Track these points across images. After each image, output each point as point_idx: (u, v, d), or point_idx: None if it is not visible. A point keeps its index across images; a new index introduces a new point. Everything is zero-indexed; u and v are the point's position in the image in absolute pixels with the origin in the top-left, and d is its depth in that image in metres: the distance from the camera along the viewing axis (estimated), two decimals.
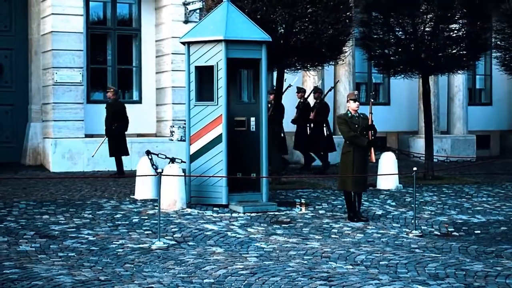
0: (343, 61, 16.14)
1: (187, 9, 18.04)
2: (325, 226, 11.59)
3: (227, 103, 12.52)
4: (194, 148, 12.68)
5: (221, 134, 12.44)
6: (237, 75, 13.61)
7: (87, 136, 17.30)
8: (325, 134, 17.62)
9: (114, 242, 10.01)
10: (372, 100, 12.36)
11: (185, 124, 15.48)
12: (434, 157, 17.24)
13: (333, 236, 11.00)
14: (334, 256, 9.32)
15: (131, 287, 7.71)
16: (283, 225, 11.55)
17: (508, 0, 16.27)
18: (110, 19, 18.75)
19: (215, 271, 8.46)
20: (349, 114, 11.87)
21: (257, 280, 8.01)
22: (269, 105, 16.27)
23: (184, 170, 12.72)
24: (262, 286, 7.83)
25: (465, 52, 16.16)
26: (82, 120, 17.23)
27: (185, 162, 13.04)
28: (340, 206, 12.93)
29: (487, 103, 24.51)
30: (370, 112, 11.96)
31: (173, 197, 12.25)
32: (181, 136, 15.09)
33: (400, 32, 16.11)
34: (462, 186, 15.73)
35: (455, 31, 16.02)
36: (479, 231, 11.74)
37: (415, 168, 11.67)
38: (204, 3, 17.13)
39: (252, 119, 13.01)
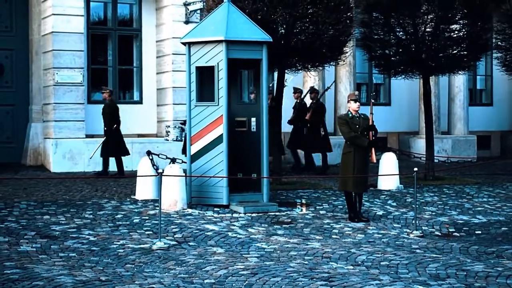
0: (343, 61, 16.14)
1: (188, 9, 18.05)
2: (326, 226, 11.59)
3: (227, 103, 12.52)
4: (195, 148, 12.68)
5: (221, 134, 12.44)
6: (237, 76, 13.62)
7: (87, 136, 17.32)
8: (322, 134, 17.60)
9: (115, 243, 10.01)
10: (373, 101, 12.37)
11: (180, 124, 15.51)
12: (435, 157, 17.24)
13: (334, 236, 10.99)
14: (335, 257, 9.32)
15: (132, 287, 7.71)
16: (284, 226, 11.55)
17: (508, 1, 16.27)
18: (111, 19, 18.76)
19: (216, 271, 8.46)
20: (350, 115, 11.87)
21: (257, 281, 8.01)
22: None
23: (184, 171, 12.72)
24: (263, 287, 7.82)
25: (465, 52, 16.16)
26: (83, 121, 17.24)
27: (185, 162, 13.04)
28: (341, 207, 12.93)
29: (487, 103, 24.52)
30: (371, 112, 11.95)
31: (173, 197, 12.26)
32: (177, 136, 15.11)
33: (401, 33, 16.11)
34: (463, 187, 15.72)
35: (456, 32, 16.02)
36: (480, 232, 11.73)
37: (415, 169, 11.67)
38: (204, 3, 17.13)
39: (253, 119, 13.02)
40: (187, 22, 18.04)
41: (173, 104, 18.05)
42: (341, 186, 12.21)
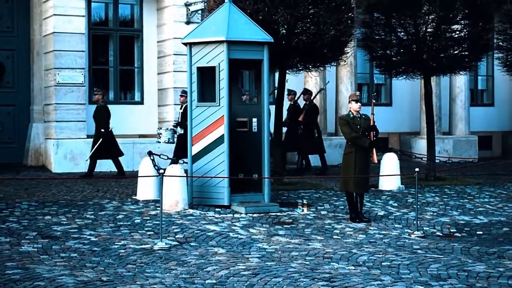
0: (345, 62, 16.14)
1: (189, 10, 18.05)
2: (327, 227, 11.59)
3: (229, 104, 12.53)
4: (196, 148, 12.68)
5: (223, 135, 12.45)
6: (239, 76, 13.63)
7: (89, 137, 17.28)
8: (315, 135, 17.54)
9: (116, 243, 10.02)
10: (374, 101, 12.34)
11: (173, 126, 15.49)
12: (436, 158, 17.24)
13: (335, 237, 10.99)
14: (336, 257, 9.31)
15: (133, 287, 7.71)
16: (285, 226, 11.55)
17: (510, 1, 16.26)
18: (112, 20, 18.77)
19: (217, 271, 8.46)
20: (351, 115, 11.87)
21: (259, 281, 8.01)
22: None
23: (186, 171, 12.72)
24: (264, 287, 7.82)
25: (467, 53, 16.16)
26: (84, 121, 17.25)
27: (187, 163, 13.04)
28: (342, 207, 12.93)
29: (489, 103, 24.52)
30: (372, 113, 11.95)
31: (175, 197, 12.26)
32: (169, 138, 15.09)
33: (402, 33, 16.10)
34: (464, 187, 15.72)
35: (457, 32, 16.02)
36: (481, 232, 11.73)
37: (417, 169, 11.67)
38: (206, 4, 17.13)
39: (254, 119, 13.02)
40: (188, 22, 18.05)
41: (174, 104, 18.04)
42: (342, 186, 12.21)
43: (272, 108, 14.83)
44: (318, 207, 13.00)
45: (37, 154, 17.86)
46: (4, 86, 17.94)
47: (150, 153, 13.34)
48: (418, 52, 15.91)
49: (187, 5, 18.10)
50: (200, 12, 17.84)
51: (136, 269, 8.63)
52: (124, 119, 18.09)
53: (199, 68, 12.67)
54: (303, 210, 12.68)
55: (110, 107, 16.55)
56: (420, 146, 20.74)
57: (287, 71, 15.22)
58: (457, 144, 21.94)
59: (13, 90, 18.00)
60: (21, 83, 18.04)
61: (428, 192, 14.87)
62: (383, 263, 8.94)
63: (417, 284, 7.87)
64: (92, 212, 11.87)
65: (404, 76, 16.83)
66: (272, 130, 14.77)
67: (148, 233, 10.73)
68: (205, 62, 12.59)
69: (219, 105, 12.46)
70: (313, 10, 14.16)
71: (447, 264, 8.88)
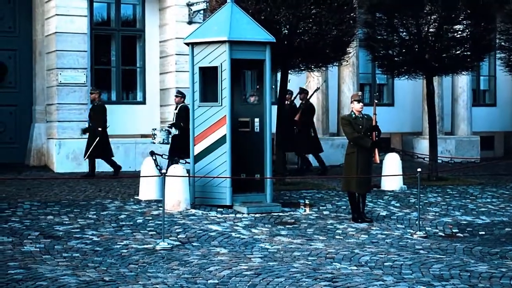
0: (347, 62, 16.14)
1: (191, 10, 18.05)
2: (329, 227, 11.59)
3: (231, 104, 12.52)
4: (198, 149, 12.68)
5: (225, 135, 12.44)
6: (241, 76, 13.62)
7: None
8: (311, 135, 17.48)
9: (118, 243, 10.02)
10: (376, 101, 12.34)
11: (168, 127, 15.48)
12: (438, 158, 17.22)
13: (337, 237, 10.99)
14: (339, 257, 9.31)
15: (135, 287, 7.72)
16: (287, 226, 11.55)
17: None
18: (114, 20, 18.77)
19: (219, 271, 8.46)
20: (353, 115, 11.86)
21: (261, 281, 8.01)
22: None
23: (188, 171, 12.72)
24: (267, 287, 7.82)
25: (469, 53, 16.15)
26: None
27: (189, 163, 13.04)
28: (344, 207, 12.93)
29: (491, 104, 24.50)
30: (374, 113, 11.94)
31: (177, 197, 12.26)
32: (163, 139, 15.06)
33: (404, 33, 16.10)
34: (466, 187, 15.71)
35: (459, 32, 16.01)
36: (483, 232, 11.72)
37: (419, 169, 11.67)
38: (208, 4, 17.14)
39: (256, 120, 13.02)
40: (190, 22, 18.04)
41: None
42: (344, 186, 12.20)
43: (274, 108, 14.82)
44: (320, 207, 12.99)
45: (39, 154, 17.87)
46: (6, 86, 17.94)
47: (152, 153, 13.35)
48: (420, 52, 15.90)
49: (189, 5, 18.10)
50: (202, 12, 17.85)
51: (138, 269, 8.63)
52: (126, 119, 18.09)
53: (201, 68, 12.67)
54: (305, 210, 12.68)
55: (113, 107, 16.58)
56: (422, 146, 20.73)
57: (289, 71, 15.22)
58: (459, 144, 21.92)
59: (15, 90, 18.01)
60: (23, 83, 18.04)
61: (430, 192, 14.86)
62: (385, 263, 8.93)
63: (420, 285, 7.87)
64: (94, 212, 11.88)
65: (406, 76, 16.83)
66: (273, 130, 14.75)
67: (150, 233, 10.74)
68: (207, 62, 12.58)
69: (221, 105, 12.46)
70: (315, 10, 14.17)
71: (449, 264, 8.88)
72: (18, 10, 18.04)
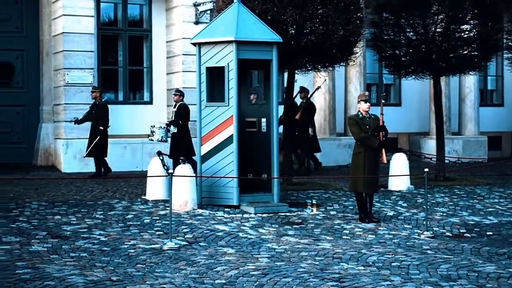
0: (353, 62, 16.13)
1: (198, 10, 18.05)
2: (336, 227, 11.58)
3: (238, 104, 12.53)
4: (205, 149, 12.68)
5: (232, 135, 12.45)
6: (247, 76, 13.62)
7: None
8: (310, 134, 17.41)
9: (125, 243, 10.03)
10: (383, 101, 12.32)
11: (166, 125, 15.45)
12: (446, 158, 17.20)
13: (344, 237, 10.98)
14: (346, 257, 9.30)
15: (143, 287, 7.72)
16: (294, 226, 11.55)
17: None
18: (121, 20, 18.79)
19: (226, 271, 8.47)
20: (360, 115, 11.85)
21: (268, 281, 8.00)
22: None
23: (195, 171, 12.73)
24: (274, 287, 7.82)
25: (476, 53, 16.13)
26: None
27: (196, 162, 13.04)
28: (352, 207, 12.92)
29: (498, 104, 24.46)
30: (381, 113, 11.93)
31: (184, 197, 12.27)
32: (162, 137, 15.02)
33: (411, 33, 16.08)
34: (473, 187, 15.68)
35: (466, 32, 15.99)
36: (491, 233, 11.70)
37: (426, 169, 11.64)
38: (214, 4, 17.14)
39: (263, 120, 13.02)
40: (197, 22, 18.05)
41: None
42: (351, 186, 12.19)
43: (281, 108, 14.82)
44: (328, 207, 12.99)
45: (46, 154, 17.90)
46: (13, 86, 17.98)
47: (159, 153, 13.35)
48: (427, 52, 15.88)
49: (196, 5, 18.11)
50: (209, 12, 17.85)
51: (146, 269, 8.64)
52: (133, 119, 18.11)
53: (208, 68, 12.67)
54: (312, 210, 12.68)
55: (120, 107, 16.59)
56: (430, 146, 20.69)
57: (296, 71, 15.21)
58: (466, 144, 21.88)
59: (22, 90, 18.05)
60: (30, 84, 18.08)
61: (438, 193, 14.83)
62: (392, 264, 8.92)
63: (427, 285, 7.86)
64: (102, 212, 11.89)
65: (413, 76, 16.81)
66: (280, 130, 14.75)
67: (157, 233, 10.75)
68: (214, 62, 12.59)
69: (228, 105, 12.46)
70: (322, 10, 14.17)
71: (457, 264, 8.86)
72: (25, 11, 18.08)
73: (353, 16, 14.62)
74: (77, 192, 13.84)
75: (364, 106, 11.81)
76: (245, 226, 11.38)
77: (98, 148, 15.61)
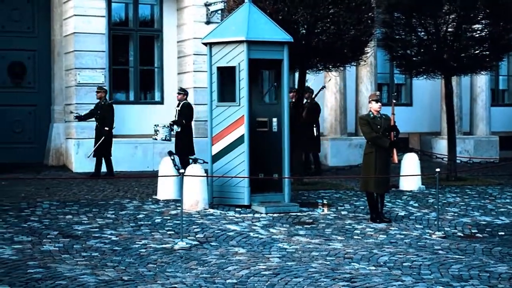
0: (365, 61, 16.08)
1: (209, 10, 18.07)
2: (347, 227, 11.56)
3: (249, 103, 12.53)
4: (216, 148, 12.69)
5: (243, 135, 12.45)
6: (259, 76, 13.62)
7: None
8: (315, 134, 17.33)
9: (137, 242, 10.05)
10: (394, 101, 12.28)
11: (170, 124, 15.45)
12: (457, 158, 17.15)
13: (355, 237, 10.96)
14: (357, 257, 9.29)
15: (154, 287, 7.73)
16: (305, 226, 11.54)
17: None
18: (132, 20, 18.83)
19: (237, 271, 8.47)
20: (371, 115, 11.83)
21: (279, 281, 8.00)
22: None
23: (206, 171, 12.74)
24: (285, 287, 7.82)
25: (488, 52, 16.08)
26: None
27: (207, 162, 13.05)
28: (363, 207, 12.90)
29: (510, 104, 24.35)
30: (392, 113, 11.90)
31: (195, 197, 12.28)
32: (166, 136, 15.02)
33: (423, 33, 16.04)
34: (485, 187, 15.63)
35: (478, 32, 15.94)
36: (503, 233, 11.65)
37: (437, 169, 11.62)
38: (225, 4, 17.14)
39: (274, 119, 13.02)
40: (208, 22, 18.07)
41: (194, 104, 17.99)
42: (362, 186, 12.17)
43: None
44: (339, 207, 12.97)
45: (58, 154, 17.96)
46: (25, 86, 18.05)
47: (170, 153, 13.36)
48: (439, 52, 15.84)
49: (207, 5, 18.13)
50: (220, 12, 17.86)
51: (157, 269, 8.65)
52: (144, 119, 18.13)
53: (219, 68, 12.68)
54: (323, 210, 12.67)
55: (131, 107, 16.61)
56: (441, 146, 20.64)
57: (307, 71, 15.20)
58: (478, 144, 21.81)
59: (34, 90, 18.11)
60: (41, 83, 18.14)
61: (449, 193, 14.80)
62: (404, 264, 8.90)
63: (439, 285, 7.84)
64: (113, 212, 11.92)
65: (425, 76, 16.77)
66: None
67: (168, 232, 10.76)
68: (225, 62, 12.60)
69: (239, 105, 12.47)
70: (333, 10, 14.14)
71: (468, 265, 8.84)
72: (37, 11, 18.14)
73: (364, 16, 14.59)
74: (88, 192, 13.88)
75: (375, 106, 11.80)
76: (256, 226, 11.38)
77: (103, 148, 15.66)
